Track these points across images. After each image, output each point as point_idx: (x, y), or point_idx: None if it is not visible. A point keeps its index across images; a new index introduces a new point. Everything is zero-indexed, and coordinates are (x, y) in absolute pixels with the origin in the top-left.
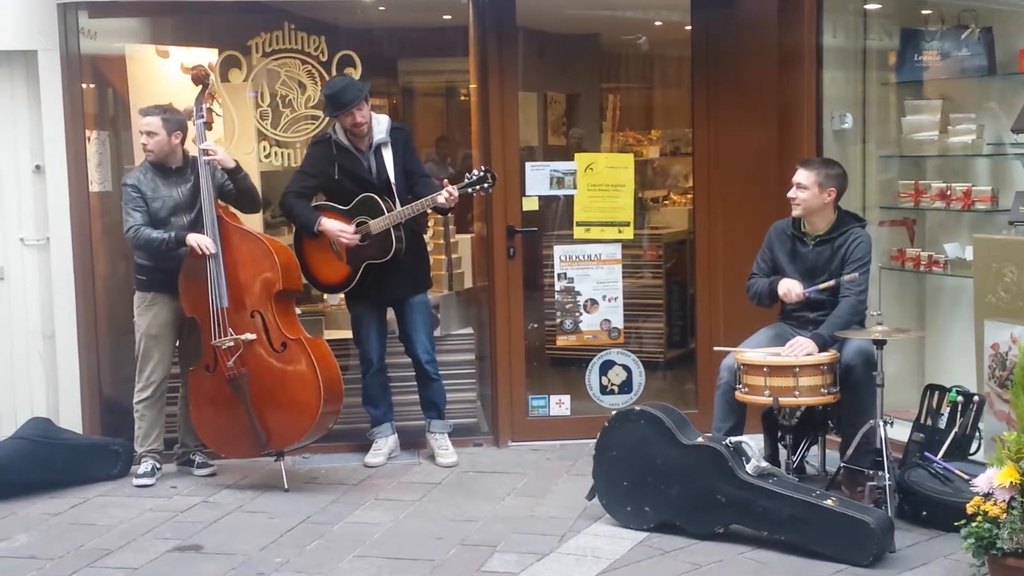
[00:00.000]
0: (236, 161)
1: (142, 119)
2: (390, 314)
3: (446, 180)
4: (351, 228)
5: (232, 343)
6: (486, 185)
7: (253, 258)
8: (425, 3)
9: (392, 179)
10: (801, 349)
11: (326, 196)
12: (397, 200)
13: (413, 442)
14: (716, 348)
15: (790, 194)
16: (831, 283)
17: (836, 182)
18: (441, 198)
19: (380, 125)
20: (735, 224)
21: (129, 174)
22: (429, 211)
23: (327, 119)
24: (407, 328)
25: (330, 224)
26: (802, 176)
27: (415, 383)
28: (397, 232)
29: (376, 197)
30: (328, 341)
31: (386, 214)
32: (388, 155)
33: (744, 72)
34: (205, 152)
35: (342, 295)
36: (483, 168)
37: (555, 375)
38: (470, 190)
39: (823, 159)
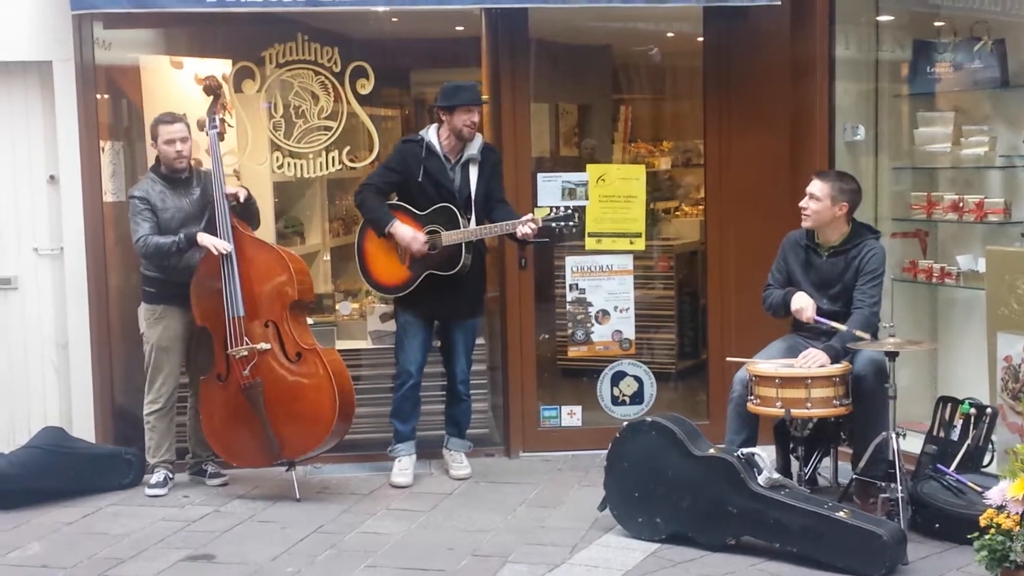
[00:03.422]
0: (247, 190)
1: (170, 126)
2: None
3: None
4: (422, 237)
5: (247, 352)
6: (571, 224)
7: (268, 267)
8: (438, 14)
9: (473, 196)
10: (814, 360)
11: (402, 197)
12: (473, 218)
13: (426, 452)
14: (728, 359)
15: (802, 204)
16: (841, 328)
17: (849, 197)
18: (526, 228)
19: (474, 141)
20: (747, 235)
21: (136, 186)
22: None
23: (337, 129)
24: (451, 347)
25: (402, 230)
26: (816, 187)
27: (436, 393)
28: (467, 249)
29: (454, 209)
30: (339, 351)
31: (461, 229)
32: (474, 173)
33: (756, 83)
34: (227, 194)
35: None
36: (570, 207)
37: (566, 386)
38: (553, 224)
39: (839, 172)
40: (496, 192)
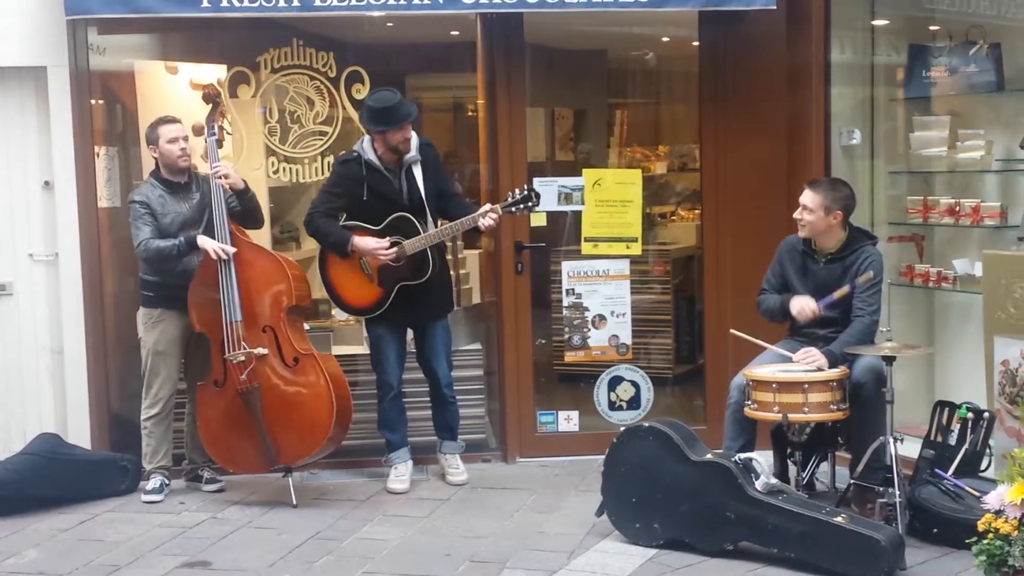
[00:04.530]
0: (245, 181)
1: (172, 126)
2: (408, 334)
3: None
4: (385, 243)
5: (244, 357)
6: (530, 204)
7: (266, 273)
8: (433, 19)
9: (424, 199)
10: (812, 358)
11: (352, 217)
12: (429, 220)
13: (422, 458)
14: (732, 332)
15: (796, 215)
16: (845, 290)
17: (842, 204)
18: (488, 220)
19: (411, 142)
20: (743, 239)
21: (136, 191)
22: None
23: (333, 134)
24: (429, 351)
25: (364, 242)
26: (808, 198)
27: (424, 399)
28: (433, 253)
29: (410, 217)
30: (335, 356)
31: (421, 234)
32: (419, 174)
33: (752, 88)
34: (217, 174)
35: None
36: (526, 188)
37: (563, 391)
38: (513, 209)
39: (830, 180)
40: (446, 185)
